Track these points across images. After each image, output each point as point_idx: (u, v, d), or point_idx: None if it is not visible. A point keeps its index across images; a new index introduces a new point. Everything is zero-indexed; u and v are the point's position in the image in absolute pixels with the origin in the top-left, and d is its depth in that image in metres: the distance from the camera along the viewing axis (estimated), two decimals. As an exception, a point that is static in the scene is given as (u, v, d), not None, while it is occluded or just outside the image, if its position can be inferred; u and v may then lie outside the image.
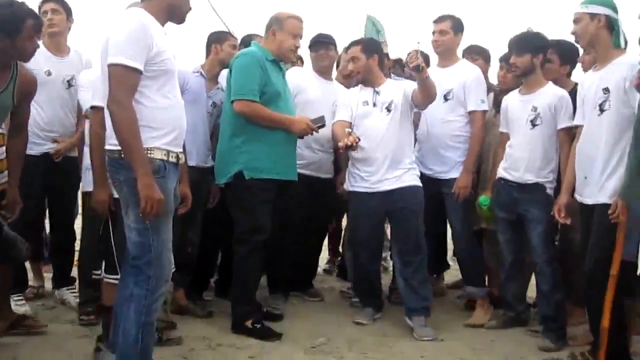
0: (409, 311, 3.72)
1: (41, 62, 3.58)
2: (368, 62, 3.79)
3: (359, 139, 3.59)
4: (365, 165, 3.73)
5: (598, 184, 2.98)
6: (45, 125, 3.66)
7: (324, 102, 4.01)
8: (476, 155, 3.91)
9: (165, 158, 2.49)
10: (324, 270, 5.25)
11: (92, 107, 2.95)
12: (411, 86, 3.70)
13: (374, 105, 3.75)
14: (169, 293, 3.66)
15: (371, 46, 3.89)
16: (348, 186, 3.86)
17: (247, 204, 3.48)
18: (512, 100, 3.66)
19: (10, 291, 3.40)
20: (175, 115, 2.56)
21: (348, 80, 4.33)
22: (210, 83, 3.82)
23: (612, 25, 3.00)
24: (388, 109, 3.73)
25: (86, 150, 3.26)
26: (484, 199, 3.78)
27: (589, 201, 3.05)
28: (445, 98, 3.94)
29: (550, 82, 3.57)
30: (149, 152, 2.43)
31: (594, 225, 2.95)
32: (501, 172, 3.64)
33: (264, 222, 3.49)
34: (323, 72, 4.24)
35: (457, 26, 4.01)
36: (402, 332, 3.68)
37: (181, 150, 2.63)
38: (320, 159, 4.09)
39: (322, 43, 4.21)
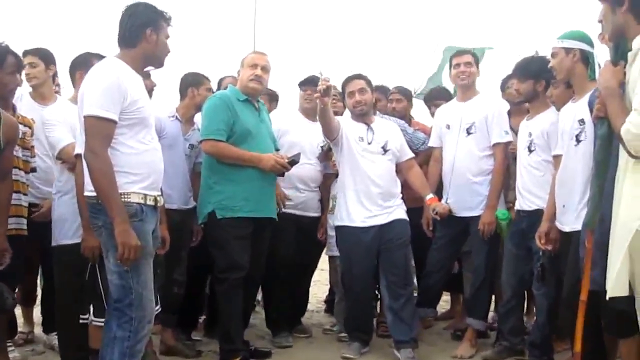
0: (397, 343, 3.74)
1: (24, 111, 3.62)
2: (372, 96, 3.94)
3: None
4: (358, 201, 3.80)
5: (575, 211, 3.06)
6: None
7: (307, 143, 4.08)
8: (499, 190, 3.82)
9: (142, 202, 2.56)
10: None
11: (76, 156, 3.02)
12: (404, 148, 3.94)
13: (369, 143, 3.84)
14: (157, 333, 3.72)
15: (371, 83, 4.00)
16: (336, 221, 3.90)
17: (222, 242, 3.53)
18: (520, 127, 3.71)
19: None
20: (152, 159, 2.64)
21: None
22: (186, 126, 3.87)
23: (586, 59, 3.09)
24: (384, 149, 3.85)
25: (56, 200, 3.28)
26: (502, 213, 3.76)
27: (566, 229, 3.13)
28: (468, 132, 3.90)
29: (552, 108, 3.57)
30: (126, 196, 2.50)
31: (570, 251, 3.00)
32: (516, 203, 3.70)
33: (239, 259, 3.52)
34: (307, 113, 4.24)
35: (476, 60, 4.08)
36: (389, 365, 3.69)
37: (159, 193, 2.70)
38: (306, 198, 4.13)
39: (310, 82, 4.17)
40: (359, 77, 3.94)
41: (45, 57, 3.80)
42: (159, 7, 2.71)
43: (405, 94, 4.67)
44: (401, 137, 3.99)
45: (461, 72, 3.95)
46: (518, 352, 3.72)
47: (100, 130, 2.47)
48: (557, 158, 3.34)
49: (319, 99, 3.50)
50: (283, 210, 3.92)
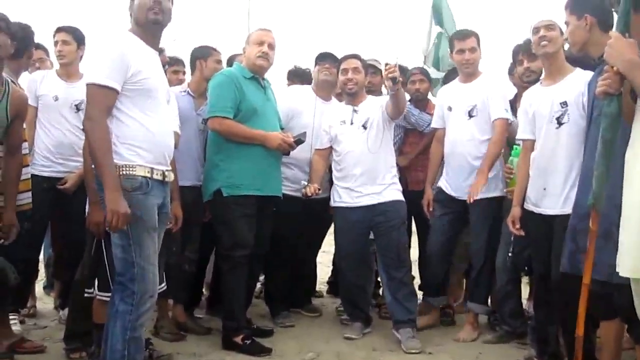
0: (396, 323, 3.76)
1: (50, 87, 3.74)
2: (364, 77, 3.92)
3: (320, 189, 3.73)
4: (345, 182, 3.82)
5: (561, 195, 3.07)
6: (53, 147, 3.73)
7: (317, 125, 4.04)
8: (492, 159, 3.72)
9: (148, 175, 2.55)
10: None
11: (83, 129, 3.03)
12: (385, 100, 3.78)
13: (351, 123, 3.84)
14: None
15: (366, 63, 3.99)
16: (332, 202, 3.93)
17: (227, 220, 3.54)
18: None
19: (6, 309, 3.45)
20: (159, 132, 2.62)
21: (340, 96, 4.35)
22: (199, 100, 3.86)
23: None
24: (364, 127, 3.81)
25: None
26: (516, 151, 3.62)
27: (550, 212, 3.13)
28: (470, 115, 3.84)
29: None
30: (130, 169, 2.50)
31: (557, 234, 3.01)
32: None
33: (244, 237, 3.53)
34: (323, 88, 4.20)
35: (479, 40, 3.92)
36: (391, 346, 3.69)
37: (168, 168, 2.69)
38: None
39: (329, 57, 4.18)
40: (355, 56, 3.93)
41: (78, 37, 3.85)
42: None
43: (427, 75, 4.62)
44: (383, 103, 3.81)
45: (465, 60, 3.85)
46: (519, 336, 3.73)
47: (100, 98, 2.47)
48: (526, 142, 3.33)
49: (390, 86, 3.50)
50: (290, 193, 3.92)
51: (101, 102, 2.47)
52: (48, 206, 3.69)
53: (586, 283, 2.54)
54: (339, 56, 4.06)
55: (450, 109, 3.93)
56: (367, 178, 3.78)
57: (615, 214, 2.26)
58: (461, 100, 3.86)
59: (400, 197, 3.85)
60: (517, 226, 3.32)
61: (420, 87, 4.43)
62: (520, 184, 3.33)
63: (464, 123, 3.85)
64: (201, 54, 3.89)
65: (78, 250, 3.83)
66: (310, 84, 4.40)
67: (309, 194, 3.69)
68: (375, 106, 3.85)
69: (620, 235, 2.10)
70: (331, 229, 4.55)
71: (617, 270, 2.12)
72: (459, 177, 3.86)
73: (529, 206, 3.28)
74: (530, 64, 3.68)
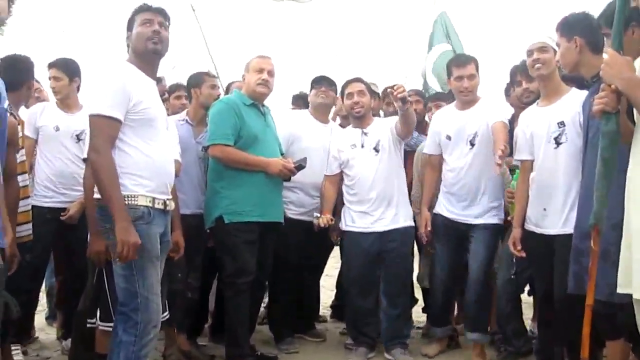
0: (390, 346, 3.81)
1: (51, 118, 3.78)
2: (370, 100, 3.96)
3: (333, 219, 3.77)
4: (360, 206, 3.80)
5: (561, 214, 3.09)
6: (54, 177, 3.75)
7: (318, 148, 4.06)
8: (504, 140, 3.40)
9: (150, 205, 2.57)
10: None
11: (84, 159, 3.05)
12: (394, 120, 3.80)
13: (362, 146, 3.84)
14: (163, 339, 3.72)
15: (369, 86, 4.02)
16: (343, 225, 3.90)
17: (230, 247, 3.55)
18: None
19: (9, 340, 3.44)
20: (160, 162, 2.65)
21: (347, 120, 4.42)
22: (198, 128, 3.88)
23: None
24: (376, 149, 3.81)
25: None
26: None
27: (551, 232, 3.13)
28: (472, 143, 3.68)
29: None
30: (133, 199, 2.52)
31: (558, 253, 3.02)
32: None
33: (247, 263, 3.54)
34: (320, 111, 4.24)
35: (478, 66, 3.79)
36: (395, 370, 3.69)
37: (169, 196, 2.71)
38: (318, 203, 4.08)
39: (325, 80, 4.24)
40: (358, 80, 3.96)
41: (70, 70, 3.89)
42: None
43: (422, 96, 4.66)
44: (392, 124, 3.83)
45: (464, 88, 3.69)
46: (524, 355, 3.69)
47: (104, 129, 2.50)
48: (525, 163, 3.35)
49: (399, 106, 3.51)
50: (294, 216, 3.96)
51: (105, 133, 2.50)
52: (51, 237, 3.70)
53: (589, 304, 2.54)
54: (336, 79, 4.11)
55: (449, 137, 3.77)
56: (382, 201, 3.78)
57: (613, 233, 2.26)
58: (461, 129, 3.71)
59: (412, 222, 3.88)
60: (519, 247, 3.30)
61: (416, 108, 4.41)
62: (520, 204, 3.33)
63: (466, 152, 3.71)
64: (195, 83, 3.91)
65: (80, 280, 3.84)
66: None
67: (322, 225, 3.71)
68: (384, 128, 3.86)
69: (634, 254, 2.06)
70: (333, 253, 4.56)
71: (617, 289, 2.13)
72: (462, 204, 3.75)
73: (529, 227, 3.28)
74: (528, 85, 3.70)
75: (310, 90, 4.32)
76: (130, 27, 2.72)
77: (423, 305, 4.48)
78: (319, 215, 3.79)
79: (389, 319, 3.82)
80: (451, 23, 6.12)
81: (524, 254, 3.30)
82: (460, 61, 3.81)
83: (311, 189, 4.05)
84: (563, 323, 2.98)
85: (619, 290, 2.20)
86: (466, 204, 3.74)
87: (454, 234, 3.80)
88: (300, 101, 4.86)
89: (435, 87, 5.74)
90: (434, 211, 3.88)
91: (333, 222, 3.80)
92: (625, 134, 2.24)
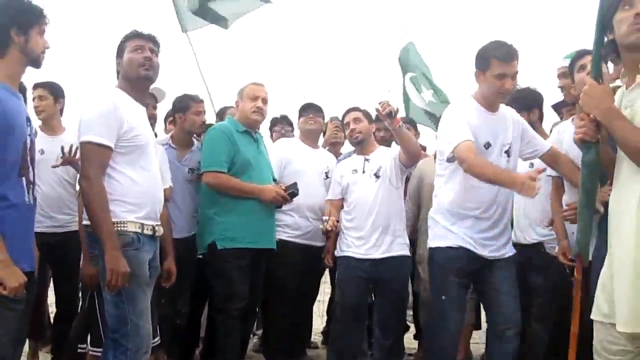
0: None
1: (35, 141, 3.76)
2: (369, 125, 3.96)
3: (338, 221, 3.77)
4: (357, 232, 3.79)
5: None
6: (42, 202, 3.69)
7: (312, 170, 4.11)
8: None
9: (139, 231, 2.59)
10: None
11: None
12: (397, 150, 3.83)
13: (363, 172, 3.86)
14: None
15: (369, 114, 4.03)
16: (338, 251, 3.89)
17: (222, 272, 3.56)
18: None
19: None
20: (149, 188, 2.67)
21: (335, 147, 4.55)
22: (182, 152, 3.93)
23: None
24: (377, 175, 3.81)
25: None
26: None
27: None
28: (508, 154, 3.15)
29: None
30: (122, 225, 2.54)
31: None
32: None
33: (239, 290, 3.55)
34: (310, 137, 4.31)
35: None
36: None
37: (157, 222, 2.73)
38: (315, 227, 4.08)
39: (311, 107, 4.36)
40: (354, 109, 4.00)
41: (55, 90, 3.92)
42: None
43: (412, 124, 4.72)
44: (395, 152, 3.85)
45: (506, 90, 3.07)
46: None
47: (95, 157, 2.52)
48: (555, 179, 3.32)
49: (388, 124, 3.54)
50: (290, 239, 3.99)
51: (97, 161, 2.53)
52: (41, 262, 3.69)
53: (574, 332, 2.57)
54: (322, 106, 4.25)
55: (488, 145, 3.10)
56: (379, 229, 3.74)
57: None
58: (494, 135, 3.14)
59: (407, 252, 3.85)
60: (569, 257, 3.10)
61: (385, 136, 4.41)
62: (557, 217, 3.23)
63: (501, 163, 3.09)
64: (179, 108, 3.94)
65: (70, 306, 3.86)
66: None
67: (330, 228, 3.72)
68: (387, 156, 3.87)
69: (616, 285, 2.04)
70: (324, 278, 4.57)
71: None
72: (491, 232, 3.14)
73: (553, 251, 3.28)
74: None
75: (299, 118, 4.42)
76: (120, 54, 2.76)
77: (415, 332, 4.48)
78: (327, 218, 3.79)
79: (382, 348, 3.81)
80: (416, 52, 6.28)
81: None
82: (505, 53, 3.03)
83: (306, 210, 4.07)
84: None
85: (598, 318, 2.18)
86: (499, 230, 3.23)
87: (473, 269, 3.22)
88: (284, 121, 4.93)
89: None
90: (450, 244, 3.17)
91: (338, 226, 3.80)
92: (606, 162, 2.25)
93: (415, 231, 4.19)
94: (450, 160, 3.07)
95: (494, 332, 3.21)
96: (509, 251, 3.22)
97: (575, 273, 2.53)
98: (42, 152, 3.77)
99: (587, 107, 2.16)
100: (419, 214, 4.20)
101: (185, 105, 3.93)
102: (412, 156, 3.77)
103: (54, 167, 3.65)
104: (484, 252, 3.12)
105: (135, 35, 2.76)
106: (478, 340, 4.73)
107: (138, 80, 2.72)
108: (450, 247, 3.12)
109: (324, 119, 4.48)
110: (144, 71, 2.70)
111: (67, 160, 3.54)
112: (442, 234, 3.17)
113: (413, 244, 4.07)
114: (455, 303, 3.12)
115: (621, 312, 1.97)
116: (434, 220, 3.24)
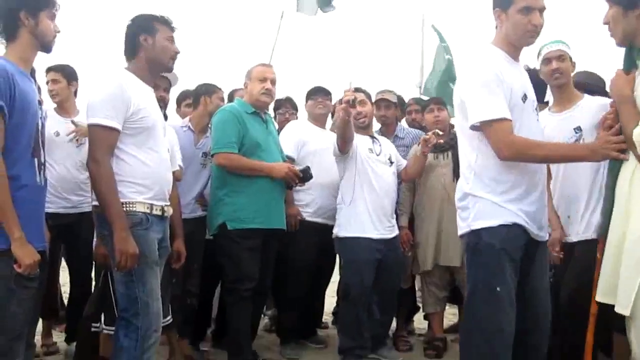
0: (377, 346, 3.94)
1: (50, 124, 3.72)
2: (372, 108, 4.06)
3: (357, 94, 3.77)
4: (375, 212, 3.84)
5: (583, 221, 3.03)
6: (56, 183, 3.75)
7: (325, 149, 4.07)
8: None
9: (148, 211, 2.59)
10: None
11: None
12: (399, 161, 4.08)
13: (378, 154, 3.93)
14: (165, 344, 3.72)
15: (370, 95, 4.10)
16: (346, 232, 3.85)
17: (232, 253, 3.55)
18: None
19: None
20: (158, 169, 2.67)
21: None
22: (199, 135, 3.93)
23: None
24: (390, 161, 3.97)
25: None
26: None
27: (573, 239, 3.07)
28: (537, 112, 2.72)
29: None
30: (131, 205, 2.54)
31: (573, 260, 2.98)
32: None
33: (249, 270, 3.54)
34: (319, 120, 4.36)
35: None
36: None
37: (167, 203, 2.72)
38: (333, 205, 4.04)
39: (320, 91, 4.38)
40: (358, 90, 3.97)
41: (68, 74, 3.94)
42: (157, 13, 2.77)
43: (422, 105, 4.69)
44: (400, 161, 4.13)
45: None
46: None
47: (103, 139, 2.52)
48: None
49: (344, 109, 3.53)
50: (308, 218, 4.05)
51: (104, 143, 2.52)
52: (54, 243, 3.69)
53: (593, 313, 2.53)
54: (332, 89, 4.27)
55: (525, 98, 2.57)
56: (391, 210, 3.95)
57: None
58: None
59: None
60: (557, 249, 3.05)
61: (416, 117, 4.60)
62: (551, 207, 3.10)
63: (534, 123, 2.63)
64: (206, 91, 3.97)
65: (84, 286, 3.87)
66: None
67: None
68: (391, 147, 4.10)
69: (621, 268, 2.25)
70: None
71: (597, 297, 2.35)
72: (540, 203, 2.58)
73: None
74: None
75: (307, 101, 4.41)
76: (150, 31, 2.69)
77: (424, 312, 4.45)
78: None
79: (382, 325, 3.98)
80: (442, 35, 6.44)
81: (562, 255, 3.08)
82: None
83: (326, 188, 4.09)
84: (568, 326, 2.92)
85: (598, 298, 2.38)
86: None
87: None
88: (288, 104, 4.87)
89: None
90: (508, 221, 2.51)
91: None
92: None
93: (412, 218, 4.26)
94: (474, 128, 2.49)
95: (519, 338, 2.48)
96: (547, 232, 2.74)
97: (598, 254, 2.50)
98: (57, 134, 3.80)
99: (611, 92, 2.51)
100: (413, 201, 4.27)
101: (211, 89, 4.00)
102: (415, 172, 4.09)
103: (70, 137, 3.76)
104: (535, 230, 2.53)
105: (166, 22, 2.76)
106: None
107: (162, 68, 2.78)
108: (503, 225, 2.45)
109: (331, 102, 4.45)
110: (172, 64, 2.78)
111: (78, 132, 3.65)
112: (489, 210, 2.47)
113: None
114: (512, 297, 2.45)
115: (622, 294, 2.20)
116: (475, 197, 2.51)
